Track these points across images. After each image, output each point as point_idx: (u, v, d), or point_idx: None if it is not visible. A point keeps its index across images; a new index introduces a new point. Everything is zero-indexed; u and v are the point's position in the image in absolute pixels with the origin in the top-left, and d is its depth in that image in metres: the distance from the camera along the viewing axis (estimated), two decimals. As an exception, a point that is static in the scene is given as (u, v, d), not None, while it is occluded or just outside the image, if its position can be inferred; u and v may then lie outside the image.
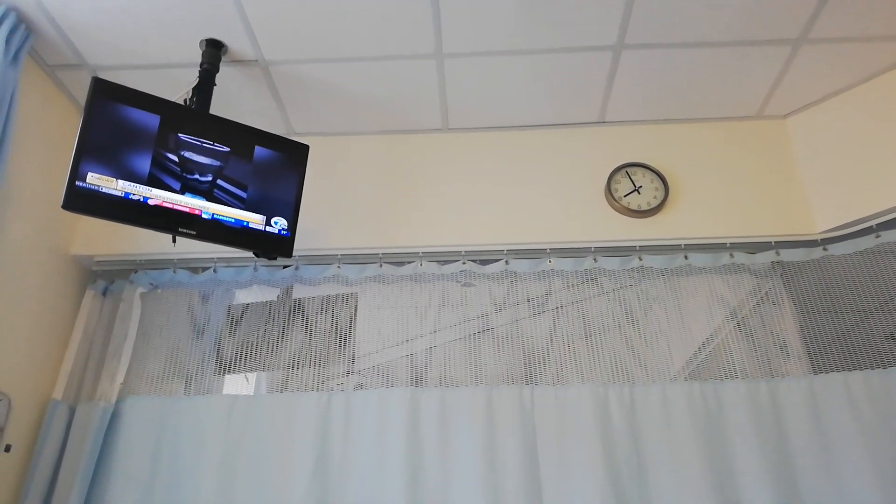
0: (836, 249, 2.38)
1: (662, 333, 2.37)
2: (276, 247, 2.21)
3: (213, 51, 2.28)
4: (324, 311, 2.49)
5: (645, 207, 2.48)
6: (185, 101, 2.20)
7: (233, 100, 2.53)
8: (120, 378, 2.34)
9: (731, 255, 2.44)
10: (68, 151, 1.93)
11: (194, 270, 2.56)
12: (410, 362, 2.37)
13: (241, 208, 2.15)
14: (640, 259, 2.45)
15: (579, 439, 2.13)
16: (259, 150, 2.21)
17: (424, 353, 2.38)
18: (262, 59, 2.36)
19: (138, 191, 1.99)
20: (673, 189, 2.53)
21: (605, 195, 2.54)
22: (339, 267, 2.50)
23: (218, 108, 2.27)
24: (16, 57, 2.09)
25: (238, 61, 2.36)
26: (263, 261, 2.50)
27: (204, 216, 2.09)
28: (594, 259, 2.46)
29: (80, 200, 1.91)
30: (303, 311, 2.50)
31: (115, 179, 1.96)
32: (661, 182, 2.53)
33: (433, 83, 2.48)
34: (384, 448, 2.16)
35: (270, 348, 2.44)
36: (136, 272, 2.54)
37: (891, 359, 2.15)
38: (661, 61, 2.40)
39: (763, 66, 2.41)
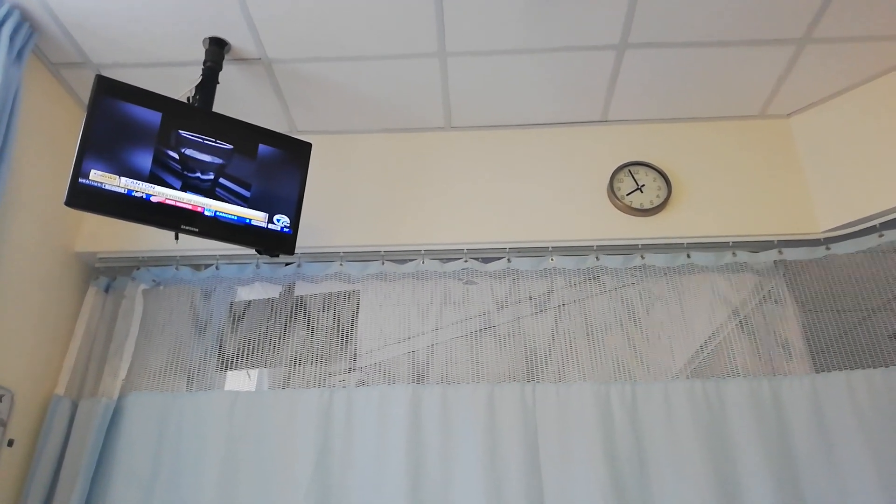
0: (839, 248, 2.37)
1: (664, 332, 2.36)
2: (278, 244, 2.21)
3: (217, 49, 2.29)
4: (326, 309, 2.50)
5: (647, 206, 2.48)
6: (188, 99, 2.20)
7: (236, 98, 2.54)
8: (122, 374, 2.35)
9: (733, 253, 2.44)
10: (71, 149, 1.94)
11: (197, 267, 2.56)
12: (412, 360, 2.37)
13: (243, 206, 2.16)
14: (643, 258, 2.45)
15: (581, 437, 2.13)
16: (262, 148, 2.22)
17: (426, 351, 2.38)
18: (265, 57, 2.36)
19: (141, 188, 1.99)
20: (676, 188, 2.53)
21: (608, 194, 2.53)
22: (341, 264, 2.51)
23: (221, 106, 2.28)
24: (20, 55, 2.10)
25: (241, 59, 2.37)
26: (266, 258, 2.50)
27: (206, 213, 2.09)
28: (596, 257, 2.46)
29: (83, 197, 1.92)
30: (305, 308, 2.50)
31: (117, 177, 1.96)
32: (663, 181, 2.53)
33: (436, 81, 2.49)
34: (386, 444, 2.16)
35: (272, 345, 2.44)
36: (138, 269, 2.54)
37: (893, 358, 2.15)
38: (664, 60, 2.39)
39: (767, 65, 2.41)
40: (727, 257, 2.43)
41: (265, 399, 2.29)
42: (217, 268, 2.53)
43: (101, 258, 2.55)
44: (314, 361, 2.40)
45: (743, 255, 2.43)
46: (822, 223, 2.42)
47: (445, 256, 2.50)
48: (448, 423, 2.19)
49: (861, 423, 2.05)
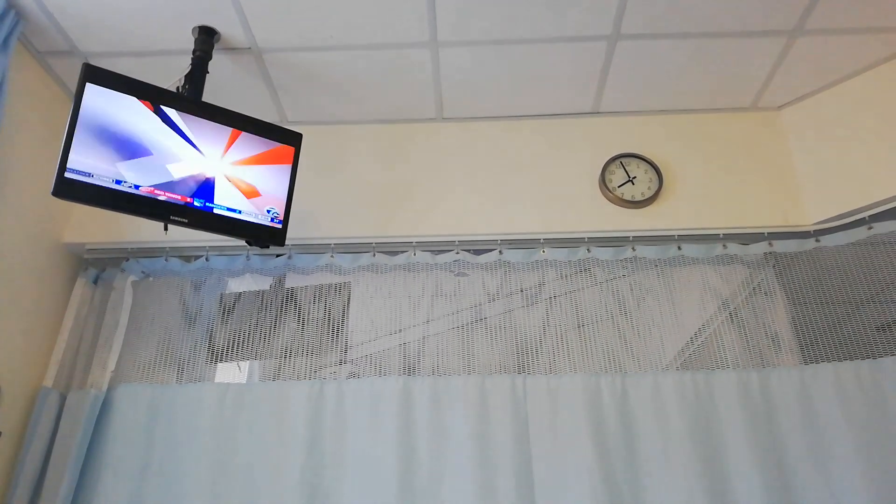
0: (829, 241, 2.39)
1: (655, 324, 2.37)
2: (268, 236, 2.20)
3: (206, 38, 2.26)
4: (317, 300, 2.49)
5: (639, 198, 2.48)
6: (177, 88, 2.18)
7: (225, 87, 2.51)
8: (111, 366, 2.33)
9: (724, 245, 2.45)
10: (59, 139, 1.92)
11: (186, 259, 2.55)
12: (403, 352, 2.37)
13: (233, 196, 2.14)
14: (634, 250, 2.46)
15: (571, 427, 2.14)
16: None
17: (417, 343, 2.38)
18: (255, 46, 2.34)
19: (129, 178, 1.97)
20: (667, 180, 2.53)
21: (600, 186, 2.53)
22: (332, 256, 2.50)
23: (210, 95, 2.26)
24: (6, 43, 2.07)
25: (231, 48, 2.35)
26: (256, 249, 2.49)
27: (196, 204, 2.08)
28: (587, 249, 2.46)
29: (71, 188, 1.89)
30: (295, 299, 2.49)
31: (105, 166, 1.94)
32: (655, 173, 2.53)
33: (427, 72, 2.47)
34: (376, 436, 2.16)
35: (263, 337, 2.43)
36: (127, 260, 2.52)
37: (881, 349, 2.16)
38: (656, 52, 2.39)
39: (758, 57, 2.41)
40: (717, 249, 2.44)
41: (255, 391, 2.29)
42: (207, 259, 2.52)
43: (89, 249, 2.53)
44: (305, 353, 2.39)
45: (733, 248, 2.44)
46: (812, 215, 2.43)
47: (437, 248, 2.50)
48: (439, 414, 2.19)
49: (849, 415, 2.06)
